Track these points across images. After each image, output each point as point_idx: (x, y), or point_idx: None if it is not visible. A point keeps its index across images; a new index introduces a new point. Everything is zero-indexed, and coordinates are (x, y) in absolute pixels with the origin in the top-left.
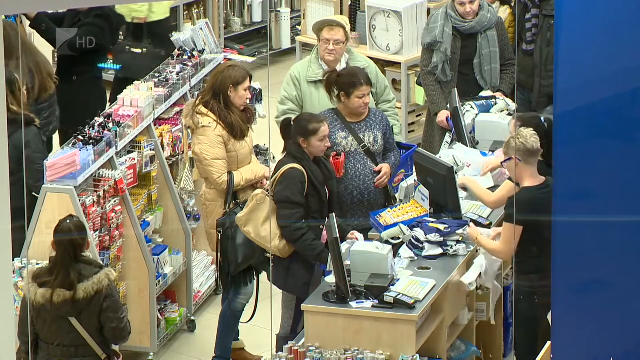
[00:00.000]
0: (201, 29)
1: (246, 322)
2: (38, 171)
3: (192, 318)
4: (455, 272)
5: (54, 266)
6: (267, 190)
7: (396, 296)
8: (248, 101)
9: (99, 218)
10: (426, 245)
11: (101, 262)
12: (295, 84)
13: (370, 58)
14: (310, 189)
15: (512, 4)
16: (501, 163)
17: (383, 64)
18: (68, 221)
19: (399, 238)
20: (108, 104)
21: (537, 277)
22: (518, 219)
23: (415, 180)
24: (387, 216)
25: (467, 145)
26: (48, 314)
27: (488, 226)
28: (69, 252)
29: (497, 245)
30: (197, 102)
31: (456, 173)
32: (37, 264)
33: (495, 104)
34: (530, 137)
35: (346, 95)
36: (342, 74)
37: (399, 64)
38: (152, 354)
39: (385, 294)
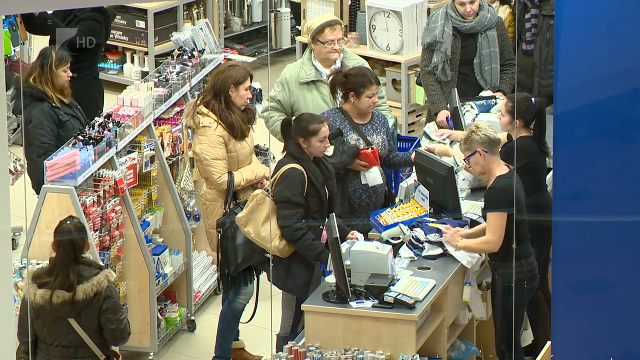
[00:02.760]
0: (201, 29)
1: (246, 322)
2: (37, 146)
3: (192, 318)
4: (454, 272)
5: (54, 267)
6: (267, 191)
7: (396, 296)
8: (249, 101)
9: (99, 218)
10: (426, 245)
11: (101, 263)
12: (283, 88)
13: (370, 58)
14: (310, 189)
15: (512, 4)
16: (464, 159)
17: (383, 64)
18: (68, 222)
19: (399, 238)
20: None
21: (524, 262)
22: (501, 208)
23: (415, 180)
24: (387, 216)
25: None
26: (47, 315)
27: None
28: (69, 253)
29: (485, 238)
30: (198, 102)
31: (456, 173)
32: (37, 264)
33: (495, 104)
34: (488, 128)
35: (356, 95)
36: (350, 73)
37: (399, 64)
38: (152, 354)
39: (385, 293)
